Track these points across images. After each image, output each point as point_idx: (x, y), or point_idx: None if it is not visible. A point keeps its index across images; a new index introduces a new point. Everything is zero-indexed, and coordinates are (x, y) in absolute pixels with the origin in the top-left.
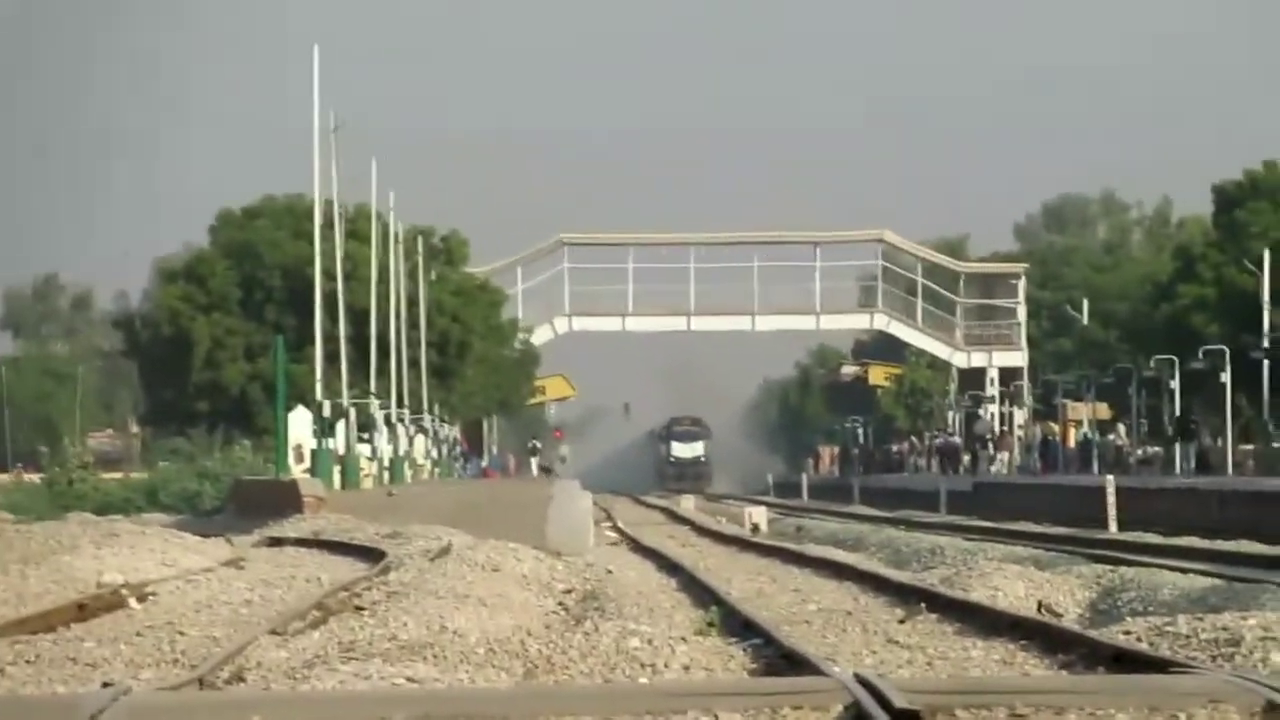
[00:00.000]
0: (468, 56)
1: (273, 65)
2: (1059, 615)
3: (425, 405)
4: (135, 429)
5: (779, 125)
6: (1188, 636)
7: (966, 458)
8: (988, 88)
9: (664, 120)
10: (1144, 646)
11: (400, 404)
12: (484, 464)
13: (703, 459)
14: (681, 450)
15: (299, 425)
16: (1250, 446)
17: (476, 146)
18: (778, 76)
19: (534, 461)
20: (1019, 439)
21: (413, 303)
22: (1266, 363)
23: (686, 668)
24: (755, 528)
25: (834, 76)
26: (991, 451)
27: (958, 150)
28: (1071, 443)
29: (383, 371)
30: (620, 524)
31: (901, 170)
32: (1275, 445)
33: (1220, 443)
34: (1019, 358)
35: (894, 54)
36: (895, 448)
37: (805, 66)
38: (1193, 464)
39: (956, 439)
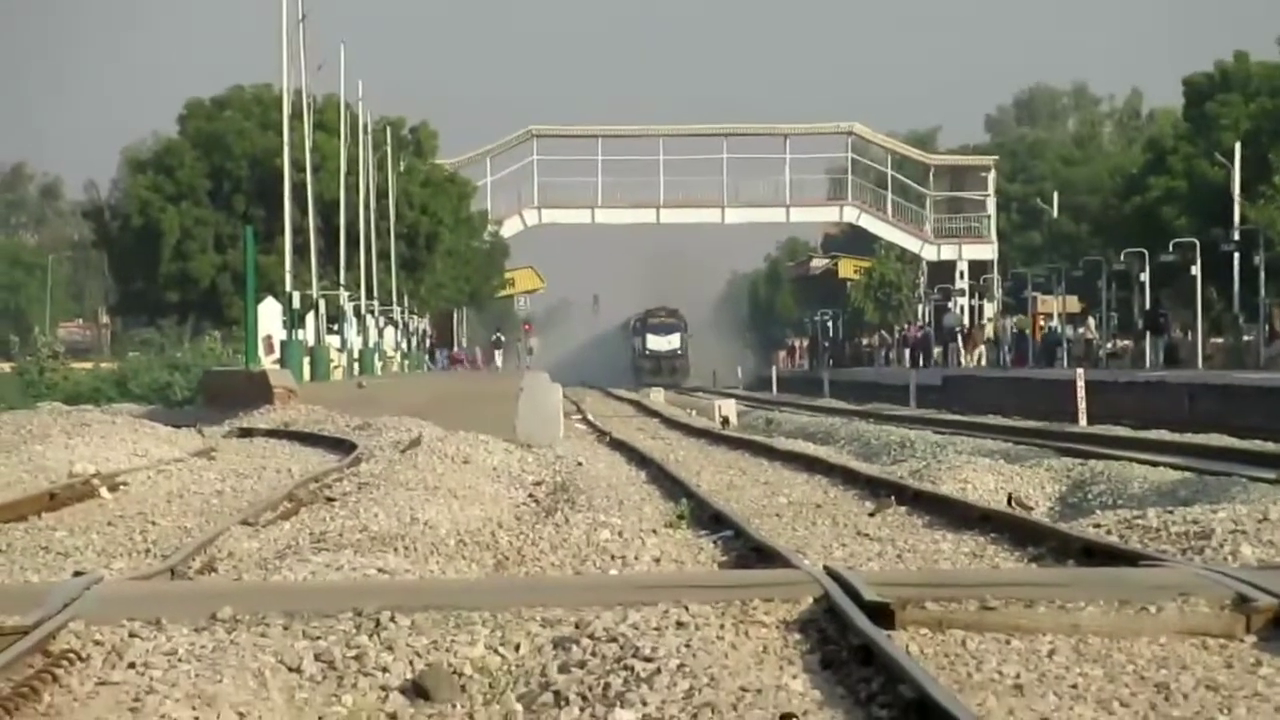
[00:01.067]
0: None
1: None
2: (1029, 508)
3: (394, 297)
4: (105, 319)
5: (749, 15)
6: (1157, 530)
7: (937, 350)
8: None
9: (635, 11)
10: (1114, 539)
11: (369, 296)
12: (452, 350)
13: (679, 352)
14: (657, 343)
15: (268, 317)
16: (1220, 340)
17: (447, 36)
18: None
19: (498, 354)
20: (988, 334)
21: (381, 195)
22: (1237, 256)
23: (657, 560)
24: (725, 421)
25: None
26: (960, 345)
27: (928, 42)
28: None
29: (351, 263)
30: (590, 416)
31: (872, 62)
32: (1245, 338)
33: (1190, 336)
34: (989, 251)
35: None
36: (865, 341)
37: None
38: (1162, 357)
39: (929, 330)
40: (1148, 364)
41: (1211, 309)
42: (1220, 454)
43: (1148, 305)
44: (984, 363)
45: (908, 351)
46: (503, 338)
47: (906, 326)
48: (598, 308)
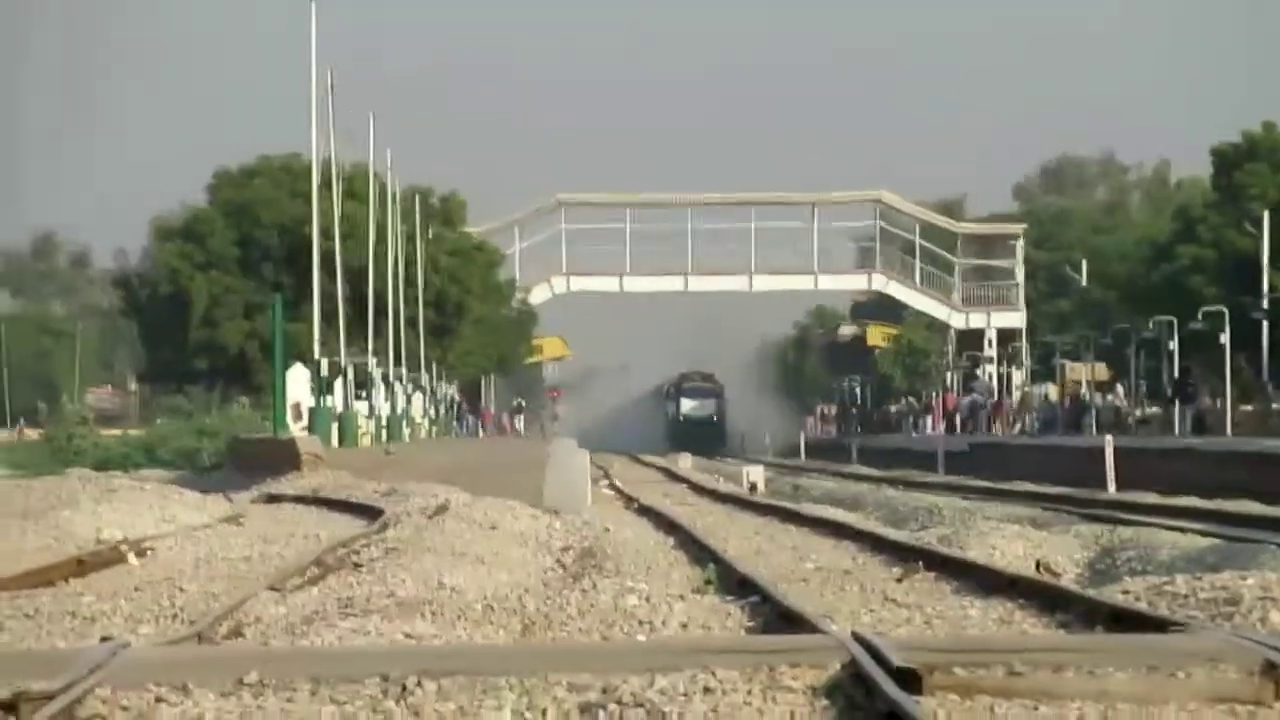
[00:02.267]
0: (467, 12)
1: (269, 22)
2: (1057, 575)
3: (422, 364)
4: (134, 386)
5: (778, 87)
6: (1186, 596)
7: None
8: (987, 49)
9: (663, 83)
10: (1142, 606)
11: (397, 363)
12: (483, 408)
13: (715, 418)
14: (693, 408)
15: (297, 383)
16: (1249, 408)
17: (475, 106)
18: (777, 39)
19: (519, 419)
20: (1021, 399)
21: (410, 262)
22: (1266, 324)
23: (684, 625)
24: (753, 487)
25: (834, 38)
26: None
27: (956, 111)
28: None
29: (380, 331)
30: (617, 482)
31: (899, 131)
32: (1275, 406)
33: (1219, 404)
34: (1017, 318)
35: (894, 16)
36: (893, 408)
37: (805, 28)
38: (1189, 425)
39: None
40: (1176, 431)
41: (1240, 376)
42: (1249, 521)
43: (1176, 373)
44: (1030, 425)
45: (944, 420)
46: (523, 403)
47: (943, 394)
48: (626, 374)
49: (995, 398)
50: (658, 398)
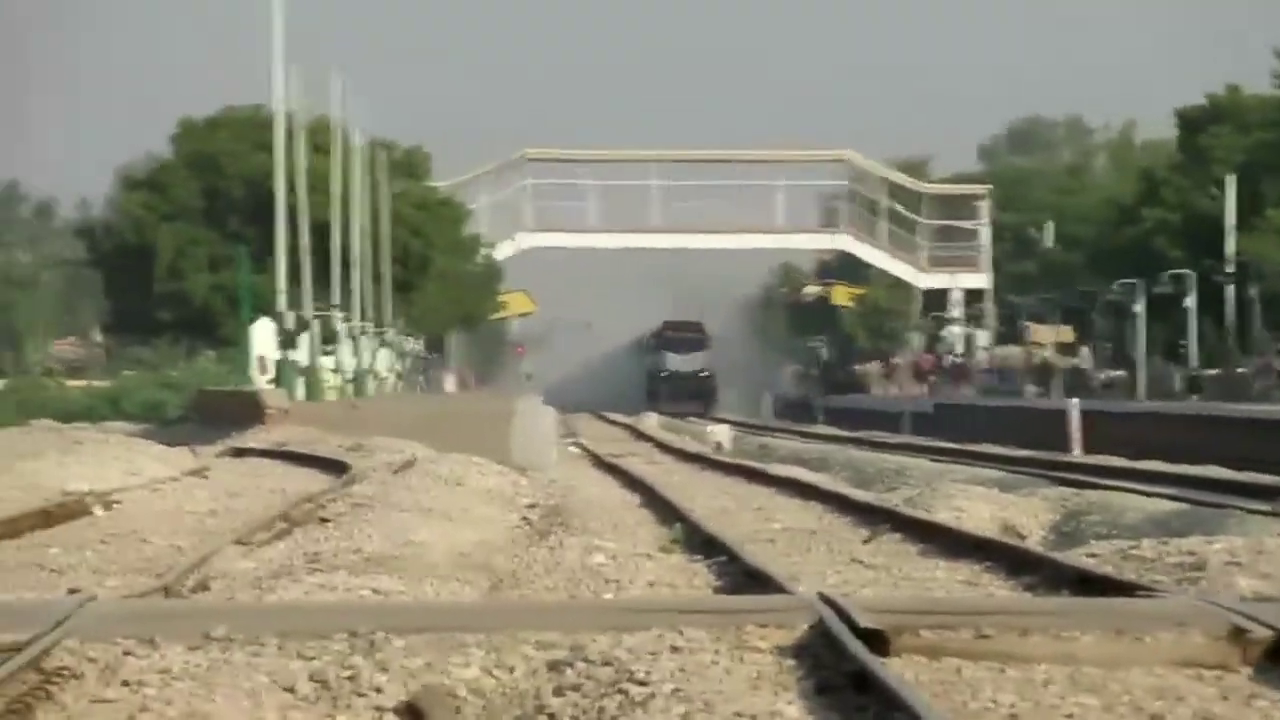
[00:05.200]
0: None
1: None
2: (1023, 537)
3: (388, 319)
4: (99, 338)
5: (745, 44)
6: (1153, 560)
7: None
8: (956, 8)
9: (631, 39)
10: (1109, 569)
11: (363, 317)
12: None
13: (704, 372)
14: (678, 361)
15: (262, 337)
16: (1214, 371)
17: (441, 59)
18: None
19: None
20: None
21: (375, 217)
22: (1231, 288)
23: (651, 584)
24: (719, 446)
25: None
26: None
27: (922, 71)
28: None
29: (345, 285)
30: (584, 440)
31: (865, 90)
32: (1240, 370)
33: (1183, 368)
34: (982, 279)
35: None
36: (858, 367)
37: None
38: (1183, 387)
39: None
40: (1140, 395)
41: (1205, 341)
42: (1215, 485)
43: (1139, 335)
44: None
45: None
46: (530, 375)
47: (918, 353)
48: (592, 329)
49: (961, 358)
50: (636, 350)
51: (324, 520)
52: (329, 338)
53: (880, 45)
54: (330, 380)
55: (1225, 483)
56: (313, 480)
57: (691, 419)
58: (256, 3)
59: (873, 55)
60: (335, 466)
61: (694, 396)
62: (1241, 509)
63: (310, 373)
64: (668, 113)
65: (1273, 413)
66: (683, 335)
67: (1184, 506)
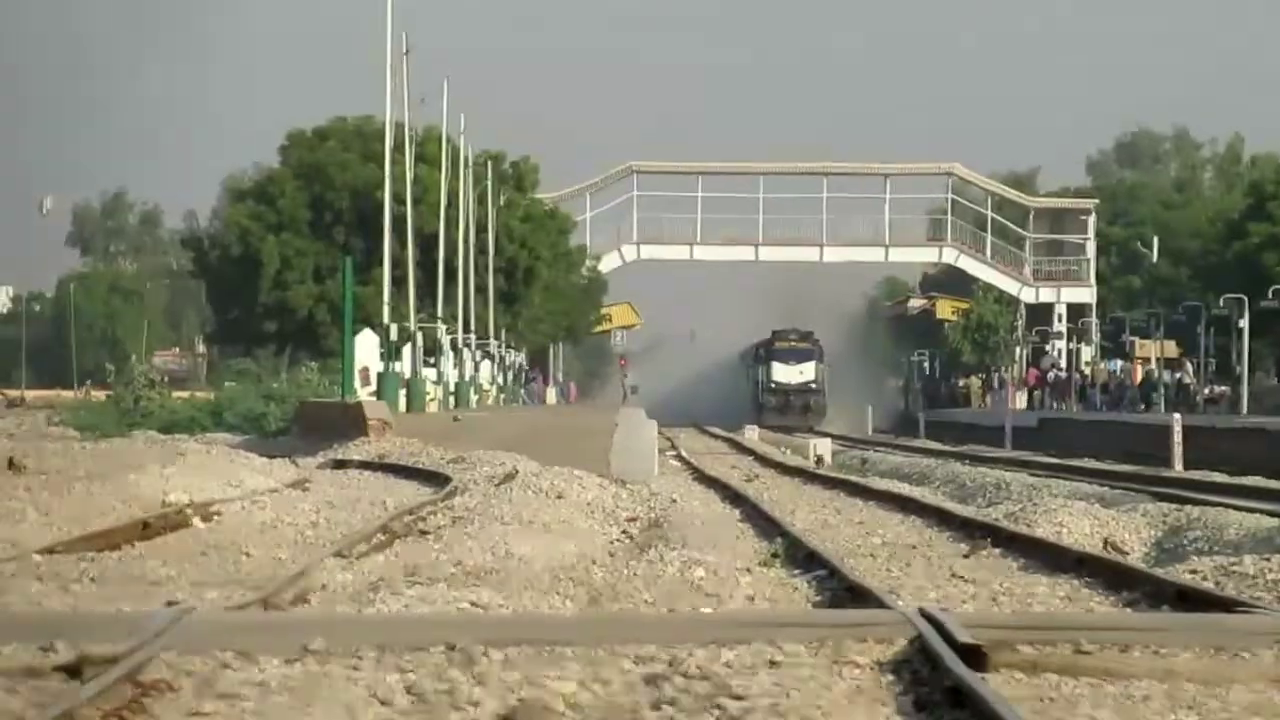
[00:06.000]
0: None
1: None
2: (1124, 553)
3: (491, 331)
4: (201, 348)
5: (851, 59)
6: (1254, 577)
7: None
8: (1065, 21)
9: (738, 53)
10: (1209, 585)
11: (466, 329)
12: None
13: (814, 384)
14: (786, 373)
15: (365, 348)
16: None
17: (549, 71)
18: (851, 9)
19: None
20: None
21: (481, 228)
22: None
23: (750, 598)
24: (819, 460)
25: (908, 8)
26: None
27: (1030, 84)
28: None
29: (450, 296)
30: (684, 453)
31: (972, 103)
32: None
33: None
34: (1087, 294)
35: None
36: (961, 382)
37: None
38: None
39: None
40: (1245, 410)
41: None
42: None
43: (1244, 351)
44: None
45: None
46: (636, 387)
47: (1025, 367)
48: (695, 342)
49: (1065, 373)
50: (743, 362)
51: (424, 533)
52: (432, 349)
53: (987, 60)
54: (432, 392)
55: None
56: (414, 492)
57: (796, 432)
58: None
59: (980, 69)
60: (436, 479)
61: (802, 410)
62: None
63: (413, 384)
64: (774, 125)
65: None
66: (792, 345)
67: None
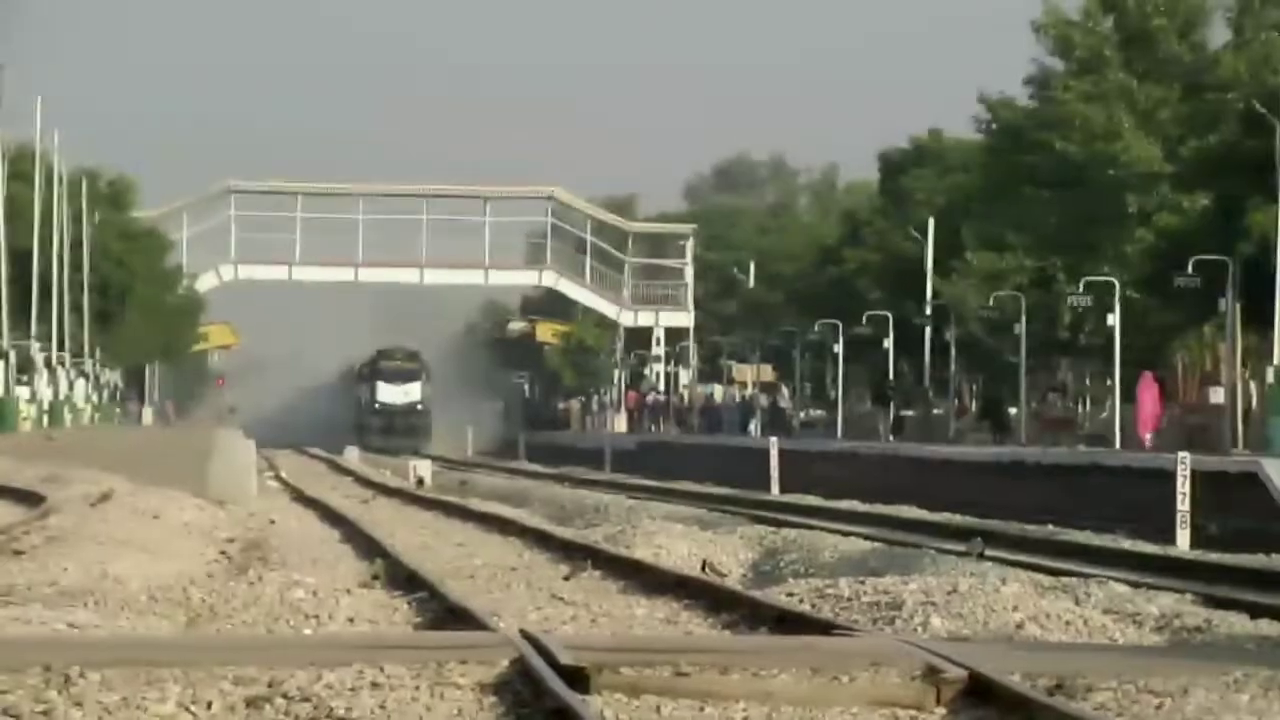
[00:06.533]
0: None
1: None
2: (723, 575)
3: (87, 349)
4: None
5: (451, 80)
6: (849, 599)
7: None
8: (663, 49)
9: (333, 72)
10: (806, 608)
11: (61, 348)
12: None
13: (419, 405)
14: (391, 393)
15: None
16: (910, 413)
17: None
18: (454, 28)
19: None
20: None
21: (76, 245)
22: (929, 330)
23: (351, 620)
24: (420, 481)
25: (513, 29)
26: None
27: (629, 108)
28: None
29: (44, 315)
30: (283, 474)
31: (572, 127)
32: (936, 412)
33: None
34: (685, 318)
35: (577, 8)
36: (562, 405)
37: (488, 21)
38: (888, 428)
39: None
40: (840, 434)
41: (903, 382)
42: (910, 525)
43: (839, 376)
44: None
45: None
46: (235, 408)
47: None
48: (299, 361)
49: (663, 396)
50: (346, 382)
51: (18, 552)
52: (25, 367)
53: (585, 83)
54: (26, 411)
55: (920, 522)
56: (7, 512)
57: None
58: None
59: (578, 92)
60: (30, 498)
61: (407, 432)
62: (935, 549)
63: (5, 403)
64: (374, 147)
65: (965, 454)
66: (398, 365)
67: (880, 546)
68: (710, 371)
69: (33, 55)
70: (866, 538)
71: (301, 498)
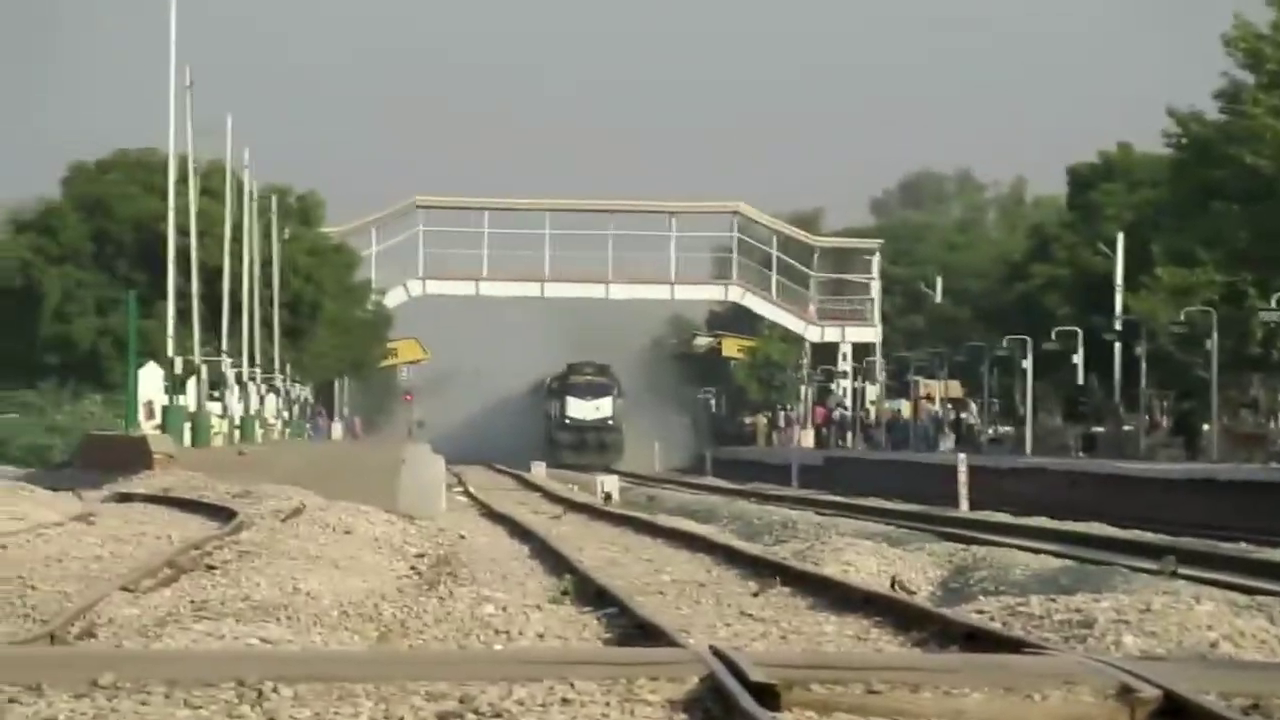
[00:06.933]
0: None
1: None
2: (912, 592)
3: (276, 365)
4: None
5: (638, 97)
6: (1040, 617)
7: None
8: (848, 63)
9: (524, 89)
10: (997, 626)
11: (251, 363)
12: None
13: (610, 421)
14: (582, 409)
15: (150, 381)
16: (1100, 429)
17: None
18: (640, 46)
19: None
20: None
21: (266, 262)
22: (1118, 345)
23: (541, 635)
24: (607, 496)
25: (696, 47)
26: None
27: (815, 124)
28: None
29: (234, 330)
30: (471, 489)
31: (758, 142)
32: (1125, 428)
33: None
34: (872, 333)
35: (758, 25)
36: (748, 420)
37: (670, 37)
38: (1079, 444)
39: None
40: (1029, 450)
41: (1092, 397)
42: (1100, 543)
43: (1028, 392)
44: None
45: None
46: (422, 422)
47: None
48: (481, 377)
49: (850, 411)
50: (536, 397)
51: (211, 567)
52: (217, 383)
53: (771, 99)
54: (217, 426)
55: (1109, 539)
56: (199, 527)
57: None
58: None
59: (765, 108)
60: (222, 513)
61: (599, 448)
62: (1127, 566)
63: (197, 418)
64: (561, 163)
65: (1156, 471)
66: (589, 379)
67: (1070, 563)
68: (897, 387)
69: (222, 73)
70: (1056, 555)
71: (490, 513)
